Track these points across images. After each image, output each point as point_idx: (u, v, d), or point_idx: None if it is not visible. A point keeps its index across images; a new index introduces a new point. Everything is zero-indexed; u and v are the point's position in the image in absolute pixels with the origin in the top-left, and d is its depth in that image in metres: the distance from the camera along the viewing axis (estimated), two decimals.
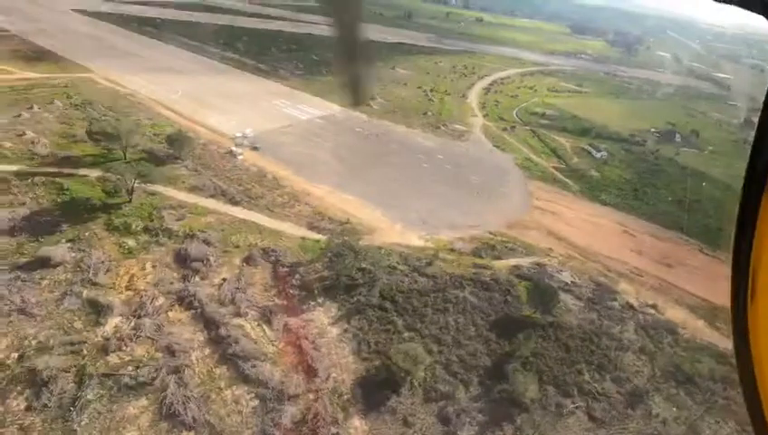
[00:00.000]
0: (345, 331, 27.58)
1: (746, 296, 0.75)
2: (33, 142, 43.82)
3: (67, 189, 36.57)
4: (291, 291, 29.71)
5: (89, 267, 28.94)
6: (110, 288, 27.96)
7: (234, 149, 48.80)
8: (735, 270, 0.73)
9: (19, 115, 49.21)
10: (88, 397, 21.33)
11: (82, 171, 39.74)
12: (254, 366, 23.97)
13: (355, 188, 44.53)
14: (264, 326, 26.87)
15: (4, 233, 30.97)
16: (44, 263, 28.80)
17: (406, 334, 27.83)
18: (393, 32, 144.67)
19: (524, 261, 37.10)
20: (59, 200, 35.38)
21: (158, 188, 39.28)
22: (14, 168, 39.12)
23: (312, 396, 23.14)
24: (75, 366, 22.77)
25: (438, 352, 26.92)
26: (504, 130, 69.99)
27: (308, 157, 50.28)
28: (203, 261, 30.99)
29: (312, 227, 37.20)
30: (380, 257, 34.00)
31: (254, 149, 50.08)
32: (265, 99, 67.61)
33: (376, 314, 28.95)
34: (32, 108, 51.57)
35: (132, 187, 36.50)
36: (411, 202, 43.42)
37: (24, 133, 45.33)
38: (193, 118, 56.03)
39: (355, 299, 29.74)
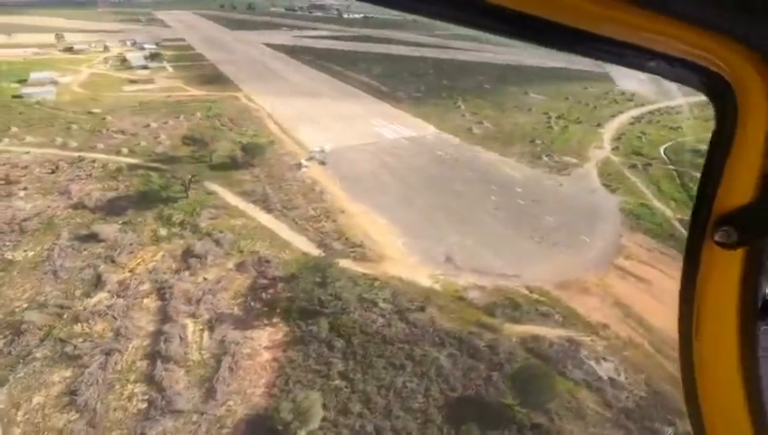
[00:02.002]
0: (275, 359, 25.21)
1: (692, 333, 0.80)
2: (159, 143, 54.56)
3: (152, 182, 43.87)
4: (254, 304, 28.88)
5: (118, 247, 33.79)
6: (120, 267, 31.97)
7: (302, 161, 51.24)
8: (682, 308, 0.79)
9: (166, 122, 62.16)
10: (36, 355, 24.44)
11: (170, 168, 47.28)
12: (166, 369, 23.84)
13: (395, 211, 41.40)
14: (206, 333, 26.64)
15: (87, 208, 38.87)
16: (93, 237, 34.88)
17: (335, 382, 23.80)
18: (551, 56, 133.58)
19: (552, 333, 28.02)
20: (141, 189, 42.65)
21: (217, 188, 43.86)
22: (132, 160, 49.25)
23: (194, 418, 21.61)
24: (48, 326, 26.50)
25: (357, 415, 22.10)
26: (632, 167, 55.75)
27: (368, 175, 49.27)
28: (201, 258, 32.81)
29: (321, 245, 35.82)
30: (365, 289, 30.35)
31: (322, 163, 51.60)
32: (367, 118, 69.60)
33: (318, 349, 25.69)
34: (179, 117, 64.58)
35: (188, 184, 41.54)
36: (448, 235, 37.93)
37: (159, 135, 56.89)
38: (289, 132, 61.34)
39: (308, 328, 27.04)
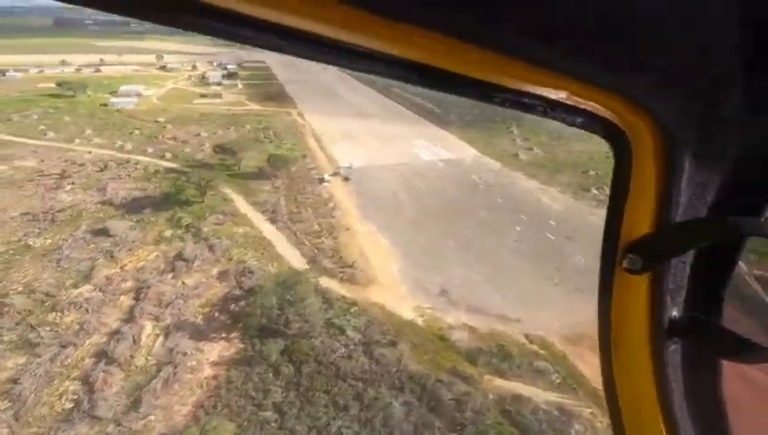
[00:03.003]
0: (215, 377, 23.43)
1: (610, 352, 0.88)
2: (201, 150, 57.46)
3: (176, 185, 45.72)
4: (219, 315, 27.66)
5: (121, 243, 34.97)
6: (114, 263, 32.83)
7: (325, 176, 50.47)
8: (601, 329, 0.87)
9: (216, 132, 65.72)
10: (3, 338, 25.27)
11: (200, 173, 49.05)
12: (105, 371, 23.17)
13: (402, 234, 38.47)
14: (160, 339, 25.79)
15: (112, 205, 41.22)
16: (105, 232, 36.56)
17: (265, 414, 21.30)
18: None
19: (542, 396, 22.92)
20: (167, 191, 44.54)
21: (234, 196, 44.40)
22: (170, 165, 52.13)
23: (110, 428, 20.39)
24: (27, 311, 27.50)
25: None
26: None
27: (389, 194, 46.94)
28: (188, 262, 32.65)
29: (312, 261, 34.00)
30: (338, 313, 27.74)
31: (346, 179, 50.39)
32: (409, 139, 67.68)
33: (264, 373, 23.48)
34: (229, 128, 68.04)
35: (204, 189, 42.47)
36: (452, 266, 34.05)
37: (204, 144, 60.03)
38: (325, 148, 61.37)
39: (261, 348, 25.02)
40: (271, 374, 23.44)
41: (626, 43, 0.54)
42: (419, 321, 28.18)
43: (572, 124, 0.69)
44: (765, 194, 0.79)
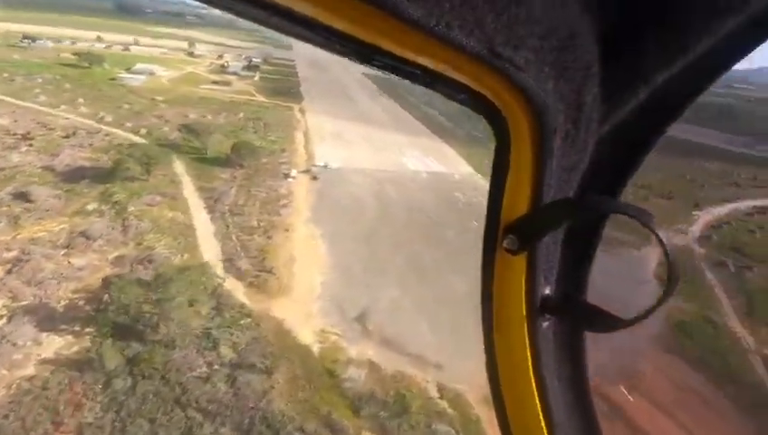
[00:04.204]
0: (34, 377, 19.23)
1: (492, 328, 0.92)
2: (181, 131, 54.76)
3: (131, 160, 42.77)
4: (83, 304, 23.65)
5: (35, 211, 31.89)
6: (13, 230, 29.63)
7: (293, 172, 46.53)
8: (483, 306, 0.91)
9: (205, 116, 63.30)
10: None
11: (161, 151, 46.01)
12: None
13: (348, 245, 33.70)
14: (2, 321, 21.96)
15: (54, 171, 38.60)
16: (24, 196, 33.62)
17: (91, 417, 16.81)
18: (689, 129, 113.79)
19: None
20: (116, 165, 41.58)
21: (185, 178, 41.04)
22: (139, 140, 49.57)
23: None
24: None
25: None
26: (720, 265, 39.65)
27: (354, 200, 42.35)
28: (89, 241, 29.09)
29: (228, 259, 29.71)
30: (222, 324, 23.17)
31: (314, 178, 46.31)
32: (402, 147, 63.06)
33: (90, 385, 19.08)
34: (221, 114, 65.58)
35: (149, 168, 39.24)
36: (385, 288, 28.92)
37: (188, 126, 57.41)
38: (310, 145, 57.59)
39: (106, 351, 20.66)
40: (99, 386, 19.03)
41: (504, 20, 0.55)
42: (316, 348, 23.17)
43: (454, 99, 0.70)
44: (622, 176, 0.85)
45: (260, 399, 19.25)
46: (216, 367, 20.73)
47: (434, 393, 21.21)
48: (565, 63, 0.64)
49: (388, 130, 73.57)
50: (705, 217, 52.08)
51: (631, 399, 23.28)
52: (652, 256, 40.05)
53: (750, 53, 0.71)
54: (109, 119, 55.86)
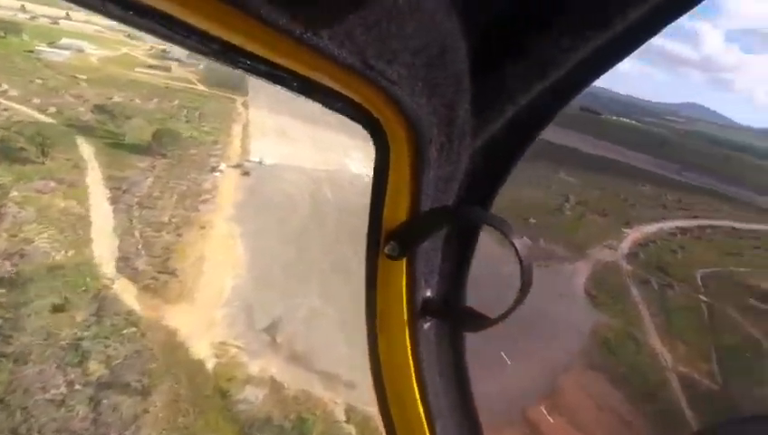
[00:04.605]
0: None
1: (376, 331, 0.96)
2: (94, 113, 49.19)
3: (27, 141, 37.35)
4: None
5: None
6: None
7: (222, 165, 42.93)
8: (367, 310, 0.95)
9: (133, 100, 57.76)
10: None
11: (69, 132, 40.81)
12: None
13: (271, 246, 30.81)
14: None
15: None
16: None
17: None
18: (627, 153, 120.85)
19: None
20: (9, 145, 36.14)
21: (91, 163, 36.40)
22: (45, 119, 43.77)
23: None
24: None
25: None
26: (645, 283, 40.71)
27: (286, 198, 39.50)
28: None
29: (123, 258, 25.91)
30: (97, 335, 19.57)
31: (245, 174, 42.99)
32: (348, 149, 60.82)
33: None
34: (152, 99, 60.22)
35: (44, 151, 34.32)
36: (305, 296, 26.35)
37: (105, 107, 51.83)
38: (247, 138, 54.02)
39: None
40: None
41: (375, 34, 0.55)
42: (210, 363, 20.19)
43: (332, 108, 0.72)
44: (494, 187, 0.89)
45: (126, 426, 16.07)
46: (77, 387, 17.24)
47: (340, 416, 18.96)
48: (436, 80, 0.66)
49: (335, 131, 70.92)
50: (634, 234, 54.06)
51: (551, 420, 22.32)
52: (583, 269, 40.56)
53: (605, 72, 0.77)
54: (14, 93, 49.16)
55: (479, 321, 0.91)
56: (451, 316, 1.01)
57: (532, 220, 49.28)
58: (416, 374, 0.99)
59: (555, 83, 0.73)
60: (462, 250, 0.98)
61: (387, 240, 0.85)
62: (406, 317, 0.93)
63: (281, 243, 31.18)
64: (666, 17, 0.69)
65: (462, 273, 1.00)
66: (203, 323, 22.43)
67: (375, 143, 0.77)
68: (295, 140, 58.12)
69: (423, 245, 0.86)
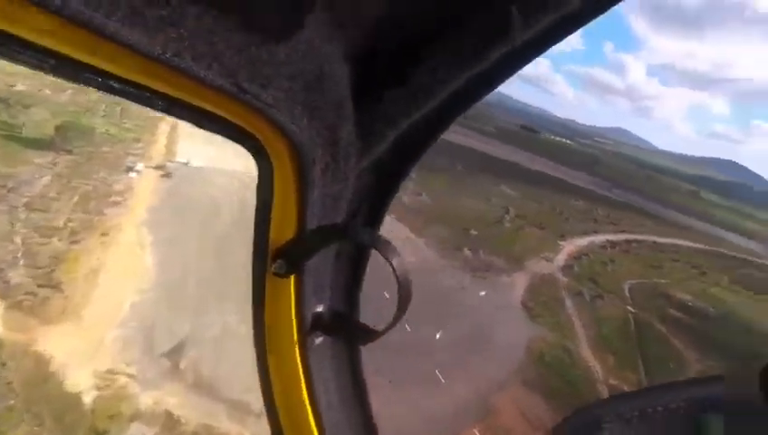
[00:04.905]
0: None
1: (266, 350, 0.97)
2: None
3: None
4: None
5: None
6: None
7: (139, 165, 38.66)
8: (256, 329, 0.95)
9: (41, 90, 51.36)
10: None
11: None
12: None
13: (187, 256, 27.45)
14: None
15: None
16: None
17: None
18: (563, 170, 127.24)
19: None
20: None
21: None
22: None
23: None
24: None
25: None
26: (578, 295, 41.48)
27: (210, 202, 36.08)
28: None
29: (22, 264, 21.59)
30: None
31: (166, 175, 39.01)
32: None
33: None
34: (66, 91, 53.99)
35: None
36: (222, 313, 23.34)
37: (9, 98, 45.51)
38: (174, 138, 49.57)
39: None
40: None
41: (245, 58, 0.56)
42: (90, 397, 16.75)
43: (209, 129, 0.70)
44: (381, 206, 0.92)
45: None
46: None
47: None
48: (316, 103, 0.68)
49: None
50: (568, 247, 55.79)
51: None
52: (521, 282, 40.63)
53: (480, 100, 0.81)
54: None
55: (368, 334, 0.91)
56: (343, 331, 1.00)
57: (473, 232, 49.19)
58: (308, 391, 0.97)
59: (435, 109, 0.76)
60: (353, 265, 0.97)
61: (274, 258, 0.84)
62: (295, 334, 0.91)
63: (198, 252, 27.95)
64: (527, 55, 0.73)
65: (354, 287, 0.99)
66: (88, 347, 18.87)
67: (257, 163, 0.76)
68: (228, 142, 54.19)
69: (313, 261, 0.85)
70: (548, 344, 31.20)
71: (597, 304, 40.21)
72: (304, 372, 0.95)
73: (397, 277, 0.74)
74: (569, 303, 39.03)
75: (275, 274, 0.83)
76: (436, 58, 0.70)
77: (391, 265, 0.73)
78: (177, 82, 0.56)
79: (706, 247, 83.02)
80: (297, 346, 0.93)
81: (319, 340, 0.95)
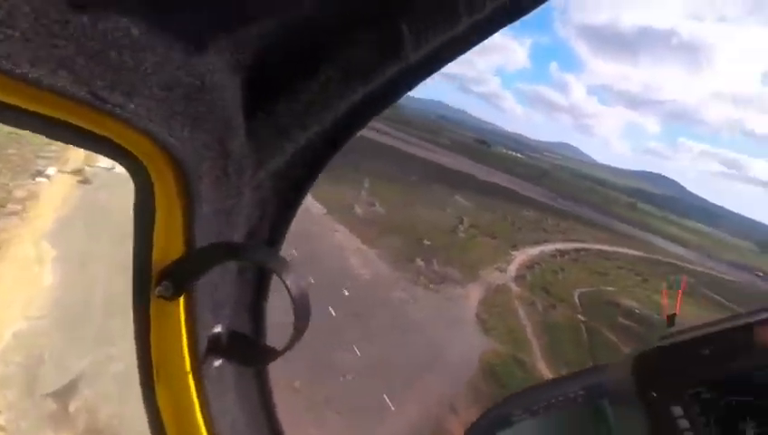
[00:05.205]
0: None
1: (152, 379, 0.88)
2: None
3: None
4: None
5: None
6: None
7: (50, 170, 33.99)
8: (140, 359, 0.87)
9: None
10: None
11: None
12: None
13: (98, 273, 23.58)
14: None
15: None
16: None
17: None
18: (514, 181, 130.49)
19: None
20: None
21: None
22: None
23: None
24: None
25: None
26: (531, 305, 40.97)
27: (128, 212, 31.80)
28: None
29: None
30: None
31: (84, 181, 34.57)
32: None
33: None
34: None
35: None
36: (126, 341, 19.69)
37: None
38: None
39: None
40: None
41: (101, 65, 0.52)
42: None
43: (68, 141, 0.63)
44: (283, 218, 0.87)
45: None
46: None
47: None
48: (198, 114, 0.63)
49: None
50: (520, 256, 55.89)
51: None
52: (475, 293, 39.57)
53: (379, 113, 0.80)
54: None
55: (267, 354, 0.86)
56: (243, 352, 0.92)
57: (426, 242, 47.82)
58: (207, 424, 0.88)
59: (333, 122, 0.76)
60: (256, 280, 0.91)
61: (159, 280, 0.78)
62: (188, 360, 0.84)
63: (109, 271, 24.14)
64: (422, 73, 0.74)
65: (257, 303, 0.93)
66: None
67: (134, 179, 0.71)
68: None
69: (210, 277, 0.80)
70: (501, 357, 29.95)
71: (550, 314, 39.81)
72: (202, 403, 0.85)
73: (292, 298, 0.70)
74: (522, 313, 38.30)
75: (160, 296, 0.77)
76: (328, 73, 0.69)
77: (285, 284, 0.69)
78: (22, 91, 0.50)
79: (645, 255, 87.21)
80: (191, 375, 0.83)
81: (217, 363, 0.86)
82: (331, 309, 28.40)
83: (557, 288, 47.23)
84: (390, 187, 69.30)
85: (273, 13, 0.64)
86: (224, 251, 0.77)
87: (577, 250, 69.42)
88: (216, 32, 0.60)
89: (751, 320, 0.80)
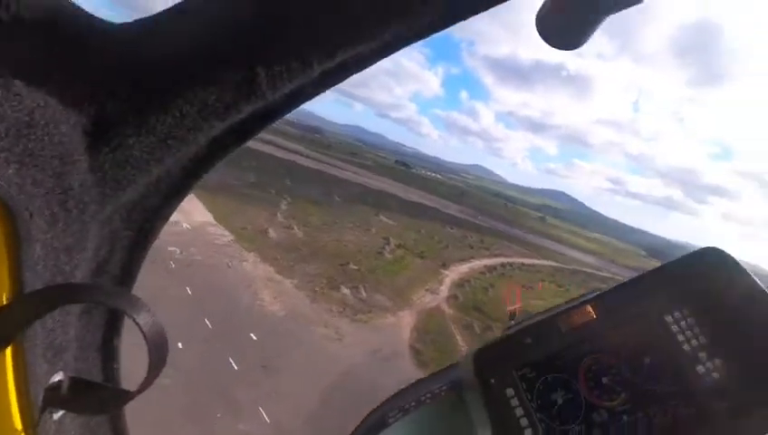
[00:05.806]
0: None
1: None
2: None
3: None
4: None
5: None
6: None
7: None
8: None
9: None
10: None
11: None
12: None
13: None
14: None
15: None
16: None
17: None
18: (435, 200, 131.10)
19: None
20: None
21: None
22: None
23: None
24: None
25: None
26: (467, 328, 38.06)
27: None
28: None
29: None
30: None
31: None
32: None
33: None
34: None
35: None
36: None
37: None
38: None
39: None
40: None
41: None
42: None
43: None
44: (136, 253, 0.83)
45: None
46: None
47: None
48: (29, 151, 0.60)
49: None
50: (451, 275, 53.62)
51: None
52: (407, 320, 35.76)
53: (243, 144, 0.79)
54: None
55: (119, 397, 0.77)
56: (88, 400, 0.80)
57: (352, 266, 43.29)
58: None
59: (191, 154, 0.74)
60: (105, 319, 0.84)
61: None
62: (16, 418, 0.74)
63: None
64: (282, 110, 0.75)
65: (108, 343, 0.86)
66: None
67: None
68: None
69: (46, 323, 0.73)
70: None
71: (487, 337, 37.02)
72: None
73: (146, 338, 0.64)
74: (459, 338, 35.07)
75: None
76: (184, 108, 0.67)
77: (138, 324, 0.63)
78: None
79: (562, 265, 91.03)
80: (26, 426, 0.73)
81: (57, 416, 0.76)
82: (231, 361, 22.33)
83: (489, 307, 45.15)
84: (311, 208, 64.06)
85: (113, 48, 0.61)
86: (58, 294, 0.69)
87: (503, 265, 69.45)
88: (48, 65, 0.57)
89: (555, 311, 0.97)
